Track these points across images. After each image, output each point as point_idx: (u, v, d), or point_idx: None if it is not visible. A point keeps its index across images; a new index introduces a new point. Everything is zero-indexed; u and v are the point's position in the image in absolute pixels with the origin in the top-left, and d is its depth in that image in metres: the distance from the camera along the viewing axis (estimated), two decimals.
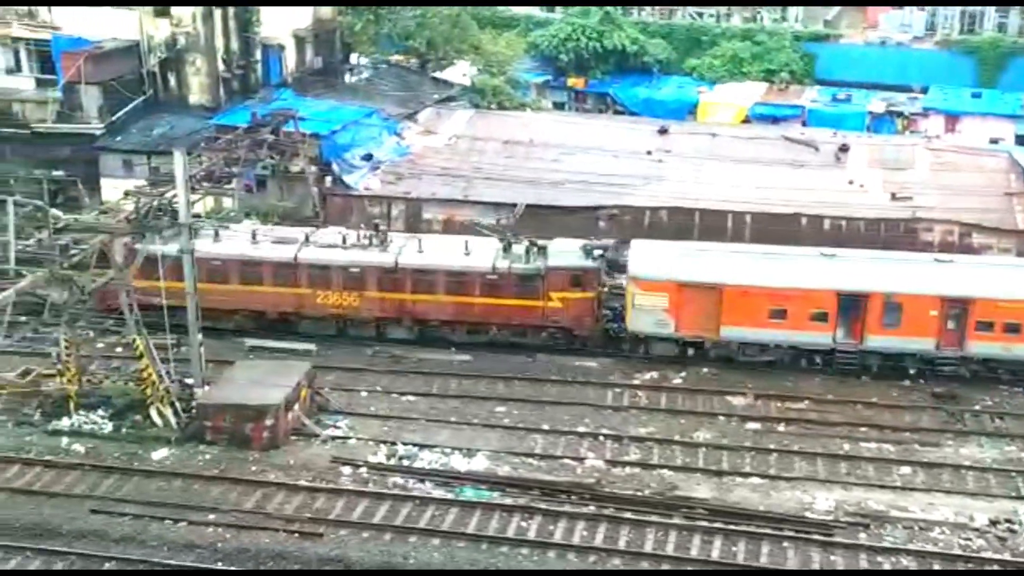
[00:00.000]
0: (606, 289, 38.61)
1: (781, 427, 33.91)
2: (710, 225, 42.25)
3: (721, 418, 34.38)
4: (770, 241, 39.19)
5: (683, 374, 36.99)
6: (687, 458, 32.16)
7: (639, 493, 30.21)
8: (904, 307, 35.28)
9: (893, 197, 44.48)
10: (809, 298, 35.47)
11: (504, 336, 38.04)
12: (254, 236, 38.49)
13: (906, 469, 31.59)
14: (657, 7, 70.46)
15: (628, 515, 29.13)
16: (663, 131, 51.20)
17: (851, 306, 35.50)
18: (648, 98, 60.63)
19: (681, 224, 42.34)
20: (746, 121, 57.14)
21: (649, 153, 48.65)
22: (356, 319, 38.53)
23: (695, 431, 33.60)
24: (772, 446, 32.71)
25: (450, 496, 29.98)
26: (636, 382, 36.63)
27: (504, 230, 39.26)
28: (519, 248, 37.68)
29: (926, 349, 35.77)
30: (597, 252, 37.99)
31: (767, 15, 69.49)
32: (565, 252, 37.80)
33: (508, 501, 29.74)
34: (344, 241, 38.12)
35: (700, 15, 69.74)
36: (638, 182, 45.51)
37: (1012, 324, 35.01)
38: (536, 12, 70.57)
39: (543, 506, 29.51)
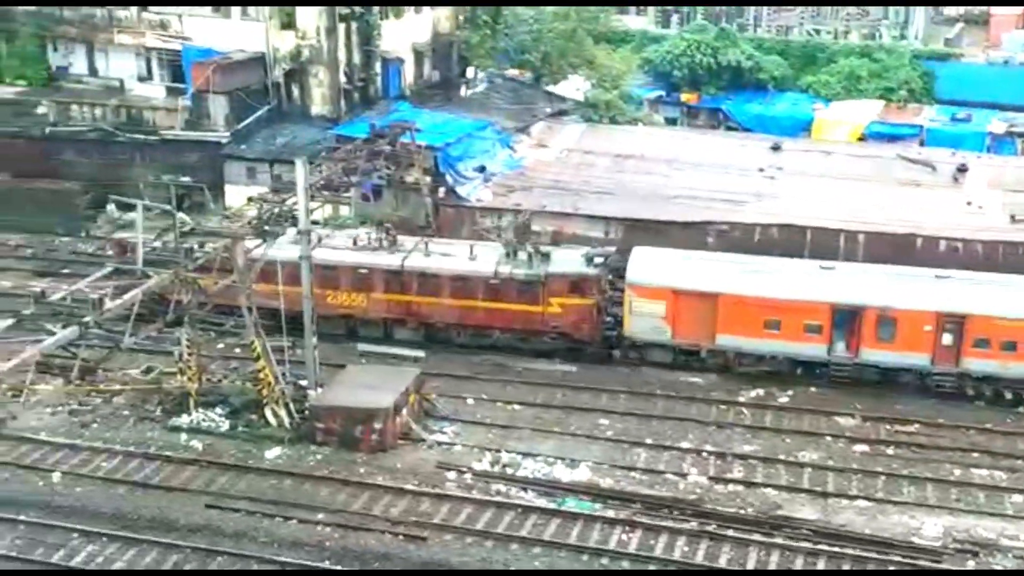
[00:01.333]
0: (607, 296, 38.79)
1: (890, 450, 33.43)
2: (821, 244, 41.76)
3: (828, 439, 34.02)
4: (884, 262, 38.64)
5: (790, 392, 36.69)
6: (791, 478, 31.93)
7: (742, 511, 30.11)
8: (898, 322, 35.24)
9: (1013, 219, 43.40)
10: (803, 309, 35.69)
11: (506, 340, 38.37)
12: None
13: (1018, 497, 30.87)
14: (774, 24, 69.94)
15: (730, 533, 29.08)
16: (776, 148, 50.81)
17: (846, 319, 35.62)
18: (761, 114, 60.17)
19: (792, 242, 41.93)
20: (862, 140, 56.29)
21: (761, 170, 48.33)
22: (364, 319, 39.17)
23: (800, 451, 33.33)
24: (880, 469, 32.27)
25: (552, 506, 30.30)
26: (741, 399, 36.47)
27: (515, 233, 40.01)
28: (524, 254, 38.28)
29: (921, 364, 35.65)
30: (598, 259, 38.34)
31: (886, 32, 68.35)
32: (567, 259, 38.35)
33: (610, 513, 29.93)
34: (354, 243, 38.97)
35: (817, 32, 68.95)
36: (749, 199, 45.26)
37: (1009, 342, 34.65)
38: (651, 28, 70.66)
39: (645, 520, 29.63)
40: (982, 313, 34.91)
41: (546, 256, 38.22)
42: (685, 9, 72.47)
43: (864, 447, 33.55)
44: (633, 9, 74.37)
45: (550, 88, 58.97)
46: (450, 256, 38.71)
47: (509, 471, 32.00)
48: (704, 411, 35.72)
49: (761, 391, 36.81)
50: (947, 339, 35.19)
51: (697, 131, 58.39)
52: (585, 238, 42.49)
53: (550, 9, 59.59)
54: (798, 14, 70.71)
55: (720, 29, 62.55)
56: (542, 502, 30.52)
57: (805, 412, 35.62)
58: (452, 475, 31.70)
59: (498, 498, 30.60)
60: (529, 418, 35.06)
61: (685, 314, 36.69)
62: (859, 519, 29.83)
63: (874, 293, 35.79)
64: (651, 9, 74.20)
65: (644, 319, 37.15)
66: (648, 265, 37.48)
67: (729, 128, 60.33)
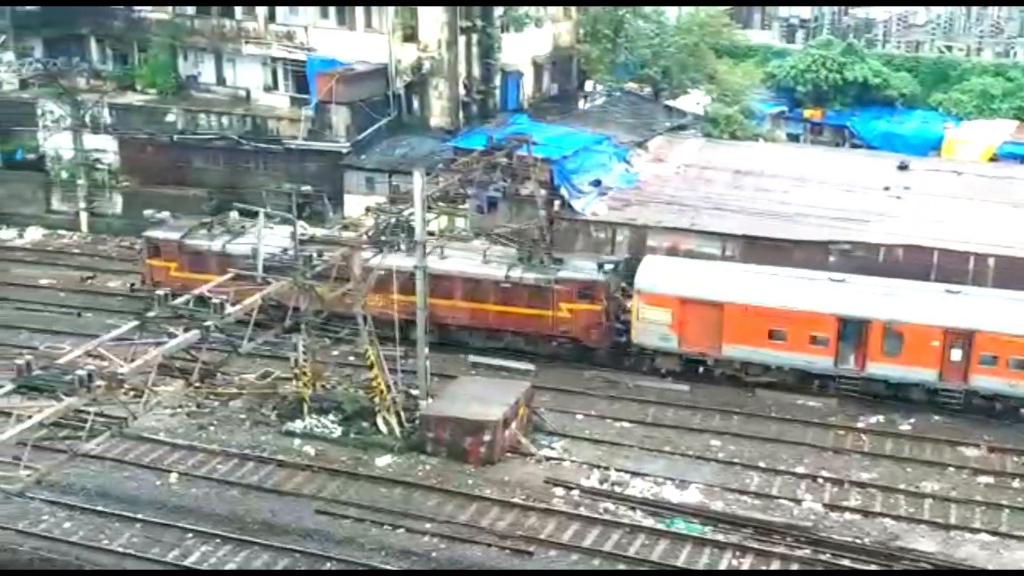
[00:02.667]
0: (617, 303, 38.80)
1: (1016, 483, 32.12)
2: (949, 266, 40.32)
3: (951, 469, 32.84)
4: (1016, 287, 37.12)
5: (912, 420, 35.55)
6: (911, 508, 30.89)
7: (858, 540, 29.23)
8: (905, 336, 34.97)
9: None
10: (809, 321, 35.52)
11: (517, 343, 38.26)
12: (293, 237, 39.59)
13: None
14: (904, 40, 68.14)
15: (845, 562, 28.23)
16: (903, 167, 49.32)
17: (852, 332, 35.39)
18: (888, 132, 58.52)
19: (917, 264, 40.58)
20: (994, 160, 54.31)
21: (887, 189, 46.96)
22: (380, 320, 38.64)
23: (921, 481, 32.23)
24: (1005, 502, 31.03)
25: (661, 527, 29.87)
26: (860, 425, 35.46)
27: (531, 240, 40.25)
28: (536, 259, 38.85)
29: (928, 380, 35.29)
30: (609, 266, 38.72)
31: (1021, 51, 65.95)
32: (578, 265, 39.05)
33: (720, 537, 29.36)
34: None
35: (948, 48, 66.91)
36: (873, 218, 43.97)
37: (1018, 359, 34.09)
38: (775, 42, 69.49)
39: (756, 545, 28.99)
40: (990, 330, 34.35)
41: (559, 262, 38.83)
42: (811, 23, 71.14)
43: (989, 479, 32.31)
44: (757, 23, 73.35)
45: (669, 102, 58.36)
46: (464, 259, 39.38)
47: (617, 489, 31.66)
48: (821, 436, 34.81)
49: (882, 417, 35.74)
50: (955, 355, 34.66)
51: (820, 148, 57.13)
52: (701, 254, 41.88)
53: (672, 23, 59.08)
54: (928, 30, 68.77)
55: (847, 44, 61.17)
56: (650, 522, 30.11)
57: (927, 441, 34.45)
58: (560, 491, 31.48)
59: (606, 516, 30.30)
60: (639, 436, 34.65)
61: (691, 323, 36.93)
62: (981, 553, 28.70)
63: (880, 306, 35.48)
64: (776, 23, 73.07)
65: (651, 327, 37.40)
66: (656, 273, 37.75)
67: (854, 145, 58.86)
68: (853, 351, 35.75)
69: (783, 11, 73.60)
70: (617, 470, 32.53)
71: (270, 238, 38.66)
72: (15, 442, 21.37)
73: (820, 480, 32.25)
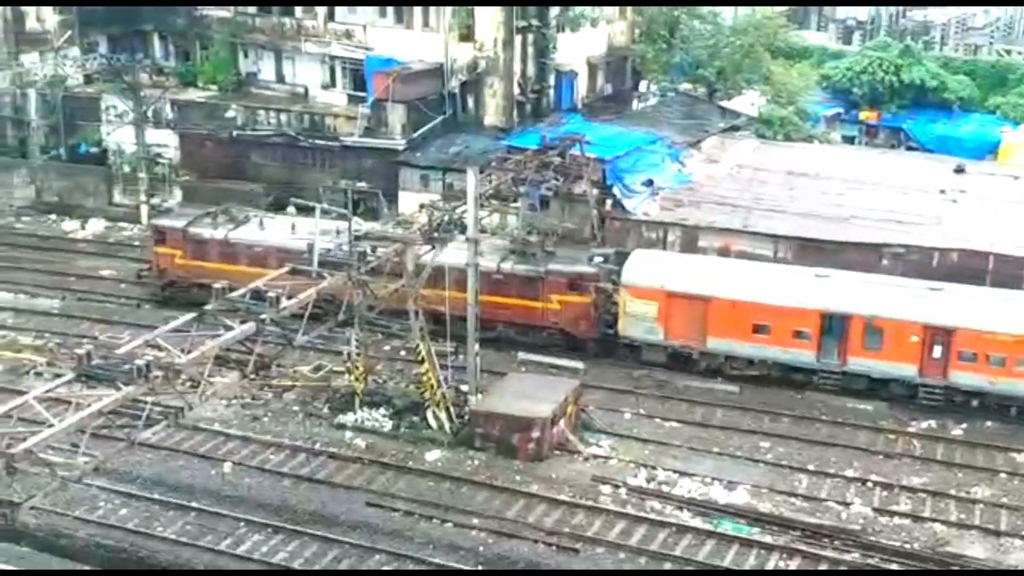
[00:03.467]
0: (606, 295, 38.89)
1: None
2: (1004, 271, 39.91)
3: (1003, 475, 32.55)
4: None
5: (964, 426, 35.25)
6: (962, 514, 30.67)
7: (907, 545, 29.08)
8: (885, 331, 35.31)
9: None
10: (791, 315, 35.90)
11: (509, 334, 38.46)
12: (293, 228, 41.13)
13: None
14: (962, 43, 67.36)
15: (894, 567, 28.12)
16: (959, 170, 48.84)
17: (834, 327, 35.76)
18: (944, 135, 57.94)
19: (972, 268, 40.21)
20: None
21: (942, 192, 46.56)
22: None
23: (973, 486, 31.96)
24: None
25: (708, 527, 29.91)
26: (911, 430, 35.22)
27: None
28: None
29: (908, 376, 35.58)
30: (598, 259, 39.29)
31: None
32: (568, 257, 39.55)
33: (768, 539, 29.35)
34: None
35: (1007, 51, 66.00)
36: (928, 221, 43.66)
37: (997, 357, 34.28)
38: (831, 43, 69.00)
39: (804, 548, 28.95)
40: (969, 326, 34.62)
41: (551, 254, 39.28)
42: (868, 25, 70.56)
43: None
44: (813, 24, 72.87)
45: (724, 103, 58.24)
46: (458, 251, 38.76)
47: (665, 489, 31.75)
48: (871, 439, 34.64)
49: (933, 422, 35.48)
50: (935, 351, 34.97)
51: (876, 150, 56.69)
52: (753, 256, 41.82)
53: (728, 24, 58.89)
54: (987, 33, 67.89)
55: (904, 46, 60.62)
56: (697, 522, 30.16)
57: (979, 446, 34.16)
58: (607, 489, 31.63)
59: (652, 515, 30.40)
60: (687, 436, 34.70)
61: (677, 316, 37.34)
62: None
63: (861, 302, 35.86)
64: (832, 25, 72.55)
65: (637, 319, 37.88)
66: (643, 266, 38.23)
67: (910, 148, 58.37)
68: (835, 346, 36.11)
69: (840, 12, 73.11)
70: (665, 469, 32.61)
71: (303, 231, 40.26)
72: (75, 429, 21.92)
73: (870, 484, 32.10)
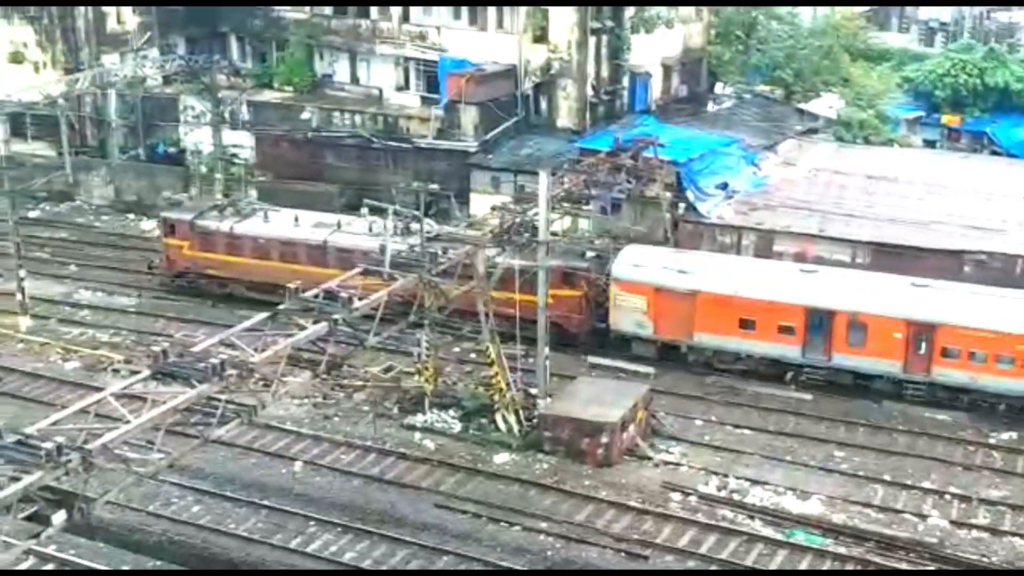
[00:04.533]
0: (599, 289, 39.13)
1: None
2: None
3: None
4: None
5: None
6: None
7: (985, 559, 28.33)
8: (869, 327, 35.49)
9: None
10: (777, 311, 36.23)
11: (504, 327, 37.21)
12: (296, 220, 42.81)
13: None
14: None
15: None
16: None
17: (819, 322, 35.99)
18: None
19: None
20: None
21: None
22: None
23: None
24: None
25: (780, 537, 29.43)
26: (992, 441, 34.34)
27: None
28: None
29: (892, 371, 35.82)
30: (590, 253, 39.98)
31: None
32: (563, 252, 39.77)
33: (841, 550, 28.79)
34: (371, 229, 40.74)
35: None
36: (1012, 228, 42.55)
37: (978, 353, 34.45)
38: (913, 46, 67.69)
39: (878, 560, 28.35)
40: (951, 323, 34.75)
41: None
42: (951, 27, 69.08)
43: None
44: (895, 26, 71.56)
45: (801, 105, 57.43)
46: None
47: (736, 497, 31.30)
48: (950, 451, 33.84)
49: (1015, 434, 34.55)
50: (918, 347, 35.16)
51: (958, 155, 55.42)
52: (830, 261, 41.11)
53: (806, 25, 58.09)
54: None
55: (988, 49, 59.20)
56: (769, 532, 29.70)
57: None
58: (677, 496, 31.29)
59: (723, 523, 29.98)
60: (759, 444, 34.19)
61: (665, 310, 37.78)
62: None
63: (845, 297, 36.06)
64: (914, 26, 71.18)
65: (627, 313, 38.33)
66: (632, 261, 38.58)
67: (993, 153, 56.91)
68: (820, 341, 36.30)
69: (922, 14, 71.76)
70: (736, 477, 32.17)
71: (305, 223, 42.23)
72: (150, 426, 22.16)
73: (947, 496, 31.36)
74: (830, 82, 57.64)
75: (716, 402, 36.73)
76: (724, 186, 45.97)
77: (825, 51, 56.79)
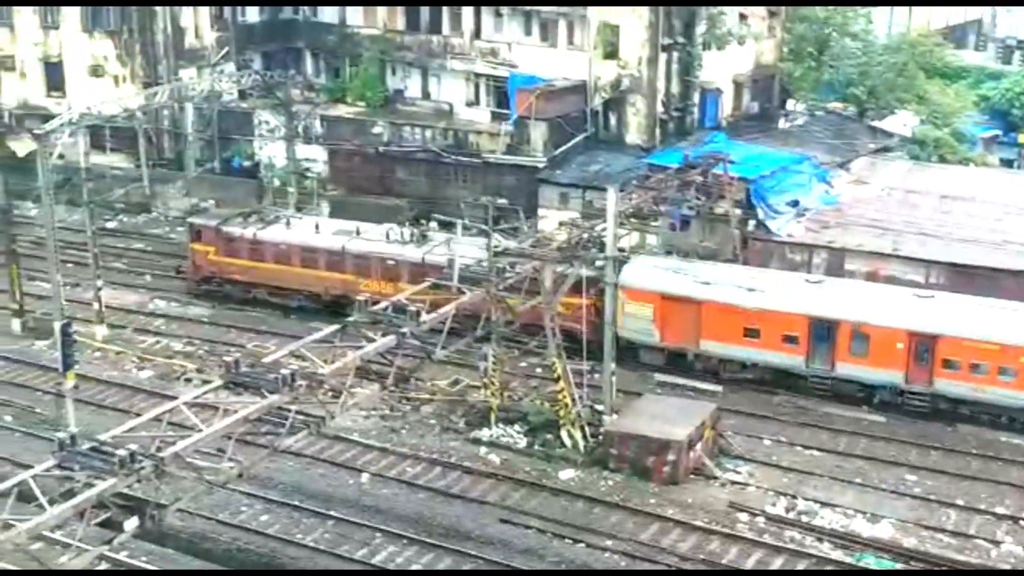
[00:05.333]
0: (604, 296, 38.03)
1: None
2: None
3: None
4: None
5: None
6: None
7: None
8: (871, 337, 35.74)
9: None
10: (781, 320, 36.55)
11: (512, 333, 37.35)
12: (317, 228, 44.22)
13: None
14: None
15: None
16: None
17: (823, 332, 36.27)
18: None
19: None
20: None
21: None
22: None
23: None
24: None
25: (849, 560, 29.00)
26: None
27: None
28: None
29: (894, 382, 35.94)
30: (599, 262, 38.35)
31: None
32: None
33: None
34: (387, 236, 42.65)
35: None
36: None
37: (980, 365, 34.46)
38: (990, 63, 66.58)
39: None
40: (953, 334, 34.79)
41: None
42: None
43: None
44: (971, 44, 70.45)
45: (875, 123, 56.71)
46: (465, 251, 39.87)
47: (804, 519, 30.91)
48: None
49: None
50: (920, 358, 35.30)
51: None
52: (903, 281, 40.50)
53: (881, 42, 57.44)
54: None
55: None
56: (838, 555, 29.28)
57: None
58: (744, 516, 30.97)
59: (791, 545, 29.62)
60: (829, 466, 33.73)
61: (672, 318, 38.09)
62: None
63: (848, 308, 36.37)
64: (991, 44, 70.03)
65: (634, 321, 38.51)
66: (640, 269, 38.72)
67: None
68: (824, 351, 36.54)
69: (1000, 31, 70.57)
70: (805, 499, 31.77)
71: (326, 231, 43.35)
72: (221, 435, 22.50)
73: (1022, 522, 30.65)
74: (905, 100, 56.87)
75: (785, 422, 36.33)
76: (795, 203, 45.52)
77: (900, 68, 56.06)
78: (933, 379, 35.39)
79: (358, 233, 43.76)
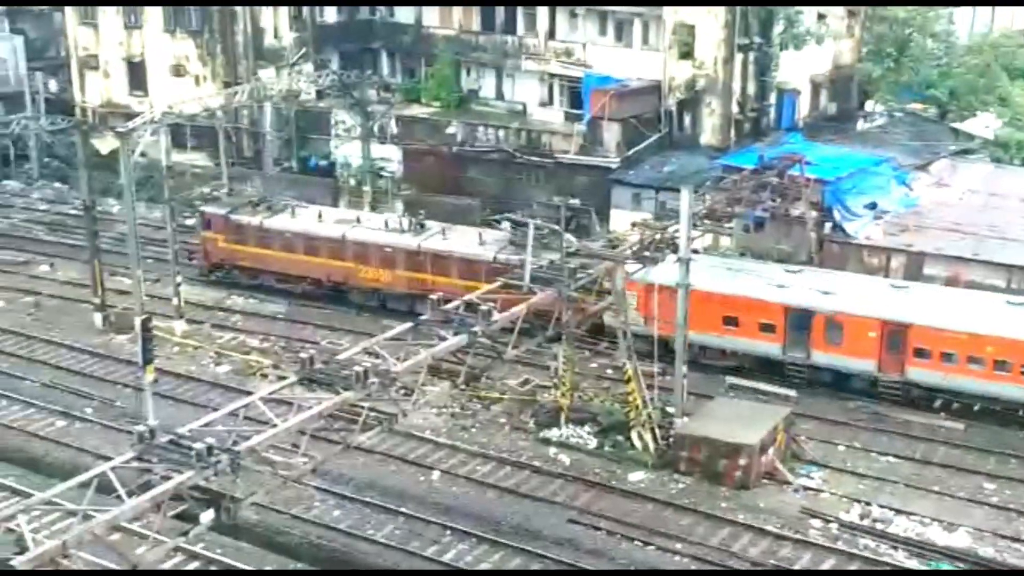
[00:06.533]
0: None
1: None
2: None
3: None
4: None
5: None
6: None
7: None
8: (845, 326, 36.42)
9: None
10: (759, 308, 37.20)
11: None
12: (320, 216, 45.77)
13: None
14: None
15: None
16: None
17: (799, 321, 36.83)
18: None
19: None
20: None
21: None
22: (391, 294, 43.85)
23: None
24: None
25: (924, 569, 28.50)
26: None
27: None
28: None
29: (868, 370, 36.66)
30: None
31: None
32: (557, 249, 39.67)
33: None
34: (386, 225, 44.17)
35: None
36: None
37: (950, 354, 35.09)
38: None
39: None
40: (923, 323, 35.44)
41: (545, 247, 39.79)
42: None
43: None
44: None
45: (956, 125, 55.63)
46: (460, 240, 42.72)
47: (879, 526, 30.45)
48: None
49: None
50: (892, 347, 35.91)
51: None
52: (984, 286, 39.72)
53: (962, 43, 56.33)
54: None
55: None
56: (913, 563, 28.81)
57: None
58: (817, 523, 30.60)
59: (864, 553, 29.19)
60: (905, 473, 33.18)
61: (655, 306, 37.48)
62: None
63: (823, 297, 37.13)
64: None
65: None
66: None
67: None
68: (801, 340, 37.10)
69: None
70: (880, 506, 31.27)
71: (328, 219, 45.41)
72: (296, 430, 22.81)
73: None
74: (987, 101, 55.69)
75: (861, 428, 35.81)
76: (873, 206, 44.88)
77: (982, 69, 54.90)
78: (905, 368, 36.03)
79: (358, 222, 45.36)
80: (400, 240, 43.79)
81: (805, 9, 53.15)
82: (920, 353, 35.66)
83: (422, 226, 44.27)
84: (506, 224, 44.37)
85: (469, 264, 42.01)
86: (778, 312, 37.43)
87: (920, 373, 35.87)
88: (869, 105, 59.25)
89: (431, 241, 43.31)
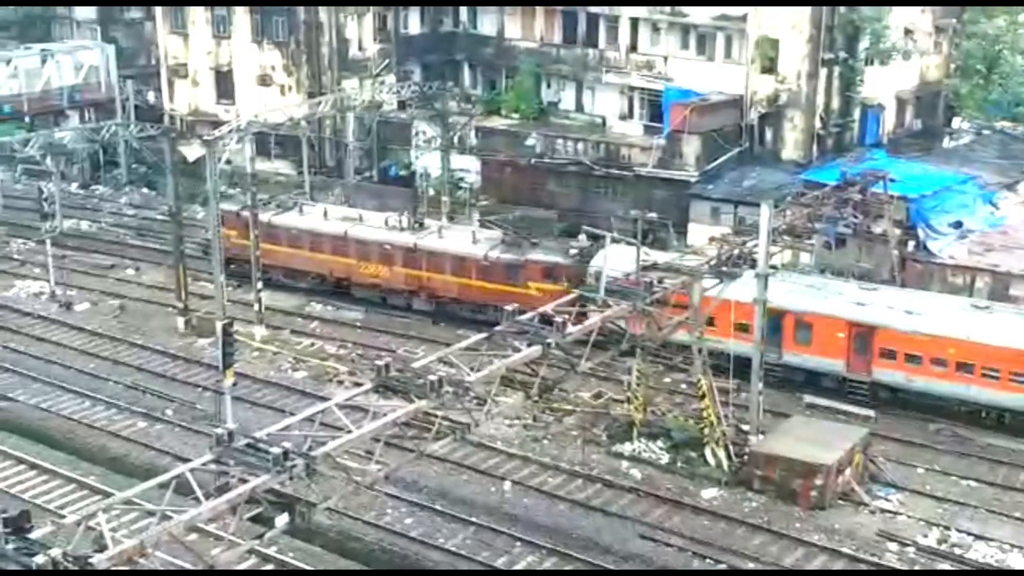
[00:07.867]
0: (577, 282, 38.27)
1: None
2: None
3: None
4: None
5: None
6: None
7: None
8: (814, 327, 37.35)
9: None
10: (732, 308, 35.98)
11: (497, 317, 36.37)
12: (325, 214, 47.16)
13: None
14: None
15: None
16: None
17: (771, 321, 36.24)
18: None
19: None
20: None
21: None
22: (390, 290, 45.45)
23: None
24: None
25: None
26: None
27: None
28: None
29: (836, 370, 37.60)
30: (574, 251, 42.17)
31: None
32: (548, 248, 43.25)
33: None
34: (387, 223, 45.50)
35: None
36: None
37: (913, 355, 35.85)
38: None
39: None
40: (888, 325, 36.30)
41: (534, 245, 43.07)
42: None
43: None
44: None
45: None
46: (455, 238, 44.17)
47: (957, 551, 29.80)
48: None
49: None
50: (859, 347, 36.80)
51: None
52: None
53: None
54: None
55: None
56: None
57: None
58: (893, 546, 30.04)
59: None
60: (986, 498, 32.43)
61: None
62: None
63: (794, 298, 37.73)
64: None
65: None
66: (608, 257, 37.21)
67: None
68: (774, 340, 37.06)
69: None
70: (959, 531, 30.62)
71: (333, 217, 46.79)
72: (370, 437, 23.02)
73: None
74: None
75: (941, 451, 35.08)
76: (958, 225, 44.02)
77: None
78: (872, 368, 36.82)
79: (361, 220, 46.49)
80: (398, 238, 45.10)
81: (892, 24, 52.40)
82: (886, 354, 36.38)
83: (421, 224, 45.67)
84: (582, 236, 44.33)
85: (461, 261, 43.58)
86: (750, 312, 36.22)
87: (885, 373, 36.59)
88: (956, 122, 58.17)
89: (427, 239, 44.63)
